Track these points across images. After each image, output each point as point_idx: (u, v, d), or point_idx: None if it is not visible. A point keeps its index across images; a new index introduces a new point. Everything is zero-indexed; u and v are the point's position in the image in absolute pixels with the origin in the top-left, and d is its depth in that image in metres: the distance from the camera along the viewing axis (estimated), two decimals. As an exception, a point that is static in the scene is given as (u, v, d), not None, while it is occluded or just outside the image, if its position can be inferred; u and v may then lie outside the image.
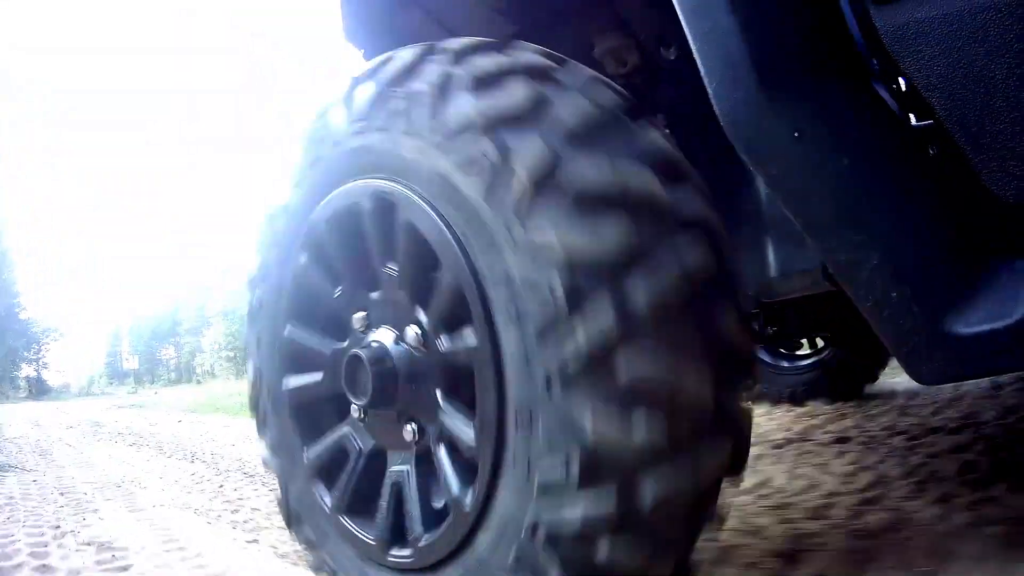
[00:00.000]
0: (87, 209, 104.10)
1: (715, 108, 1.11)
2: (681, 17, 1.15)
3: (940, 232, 1.08)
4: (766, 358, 3.96)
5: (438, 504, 1.32)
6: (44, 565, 2.44)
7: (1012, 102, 0.99)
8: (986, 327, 0.99)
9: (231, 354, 45.37)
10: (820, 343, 3.93)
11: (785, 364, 4.00)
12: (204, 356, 52.97)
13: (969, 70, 1.01)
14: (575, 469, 1.04)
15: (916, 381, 1.07)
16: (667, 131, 1.35)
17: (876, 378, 3.89)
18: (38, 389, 46.92)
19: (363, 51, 2.08)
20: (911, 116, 1.17)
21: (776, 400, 3.94)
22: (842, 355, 3.80)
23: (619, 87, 1.26)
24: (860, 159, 1.07)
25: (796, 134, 1.06)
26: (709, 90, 1.12)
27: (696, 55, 1.13)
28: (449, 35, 1.82)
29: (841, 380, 3.82)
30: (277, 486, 1.66)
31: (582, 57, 1.51)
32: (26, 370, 52.21)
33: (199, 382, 45.46)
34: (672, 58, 1.61)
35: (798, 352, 4.04)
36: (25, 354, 51.79)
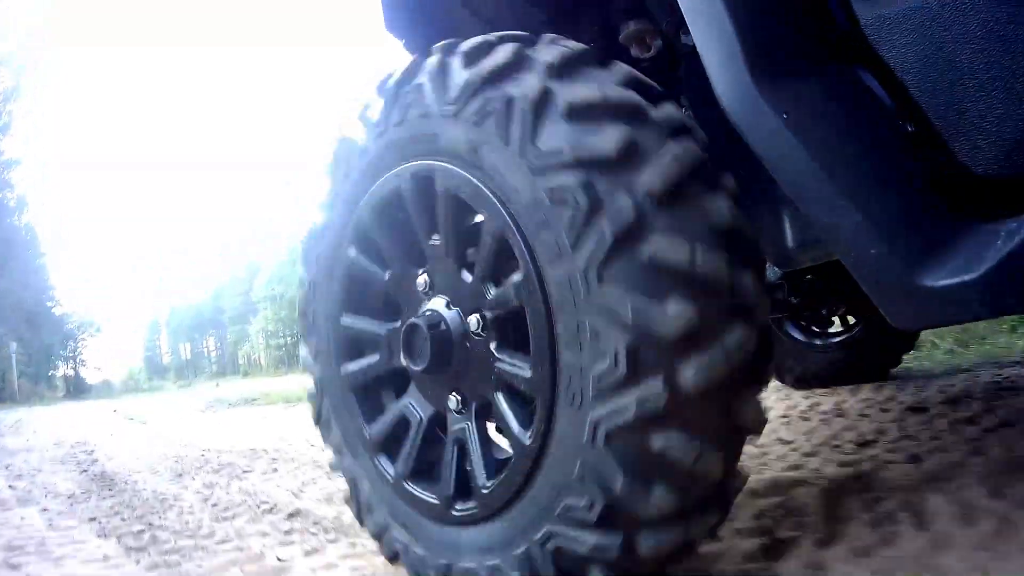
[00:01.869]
0: (121, 201, 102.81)
1: (715, 91, 1.30)
2: (682, 8, 1.35)
3: (915, 198, 1.25)
4: (795, 335, 4.09)
5: (499, 456, 1.57)
6: None
7: (977, 83, 1.16)
8: (953, 280, 1.12)
9: (282, 341, 42.90)
10: (850, 320, 4.02)
11: (814, 342, 4.08)
12: (250, 345, 50.73)
13: (939, 55, 1.19)
14: (622, 363, 1.23)
15: (894, 325, 1.25)
16: (689, 112, 1.71)
17: (900, 361, 4.12)
18: (76, 388, 45.88)
19: (403, 41, 2.28)
20: (889, 97, 1.30)
21: (800, 380, 4.12)
22: (869, 335, 3.89)
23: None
24: (843, 135, 1.26)
25: (784, 115, 1.23)
26: (709, 75, 1.32)
27: (696, 43, 1.34)
28: (483, 23, 2.12)
29: (867, 361, 3.96)
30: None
31: (607, 41, 1.88)
32: (63, 368, 51.85)
33: (246, 374, 43.35)
34: (692, 44, 1.48)
35: (827, 331, 4.10)
36: (61, 352, 51.26)
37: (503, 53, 1.44)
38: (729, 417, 1.31)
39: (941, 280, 1.14)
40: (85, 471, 5.37)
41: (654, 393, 1.22)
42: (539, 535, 1.38)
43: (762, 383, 1.40)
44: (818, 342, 4.05)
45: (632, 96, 1.38)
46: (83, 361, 53.26)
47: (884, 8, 1.22)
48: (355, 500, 1.86)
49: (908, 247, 1.18)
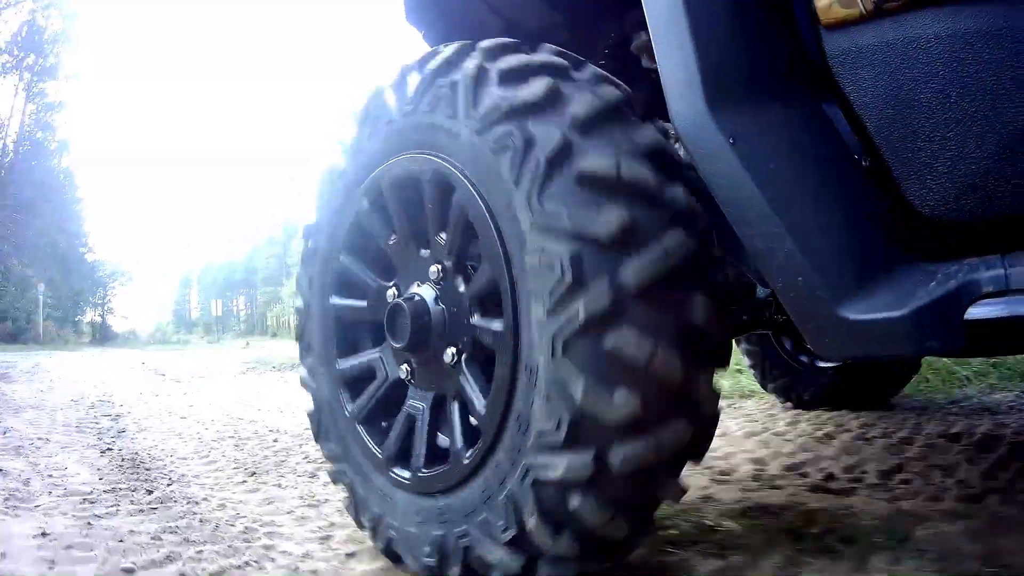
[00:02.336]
0: (159, 156, 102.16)
1: (669, 114, 1.39)
2: (650, 34, 1.44)
3: (855, 233, 1.29)
4: (789, 356, 4.10)
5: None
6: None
7: (932, 125, 1.20)
8: (879, 315, 1.17)
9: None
10: None
11: (809, 363, 4.04)
12: (281, 307, 49.57)
13: (899, 94, 1.23)
14: (567, 272, 1.38)
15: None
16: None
17: (900, 390, 4.13)
18: (102, 335, 44.85)
19: (423, 33, 2.37)
20: (851, 131, 1.35)
21: (798, 402, 4.16)
22: (862, 367, 3.86)
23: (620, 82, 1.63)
24: (787, 163, 1.32)
25: (732, 140, 1.29)
26: (665, 95, 1.40)
27: (658, 61, 1.42)
28: (503, 20, 2.23)
29: (866, 388, 3.94)
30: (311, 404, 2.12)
31: (622, 50, 1.95)
32: (90, 315, 50.49)
33: (274, 335, 42.21)
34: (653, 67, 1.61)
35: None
36: (90, 298, 50.05)
37: (538, 87, 1.51)
38: (679, 315, 1.41)
39: (866, 314, 1.19)
40: (108, 449, 3.91)
41: (600, 294, 1.34)
42: (517, 473, 1.47)
43: (707, 288, 1.46)
44: (821, 365, 4.02)
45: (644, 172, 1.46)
46: (111, 309, 51.93)
47: (850, 43, 1.28)
48: None
49: (838, 279, 1.23)
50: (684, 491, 1.58)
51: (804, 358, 4.08)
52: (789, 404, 4.23)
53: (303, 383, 2.15)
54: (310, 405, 2.12)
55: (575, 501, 1.39)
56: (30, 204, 43.78)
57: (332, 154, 2.05)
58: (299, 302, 2.17)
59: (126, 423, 5.07)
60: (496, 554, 1.51)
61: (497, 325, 1.55)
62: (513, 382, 1.49)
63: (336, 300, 2.02)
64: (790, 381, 4.14)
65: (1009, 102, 1.14)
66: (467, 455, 1.60)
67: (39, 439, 4.15)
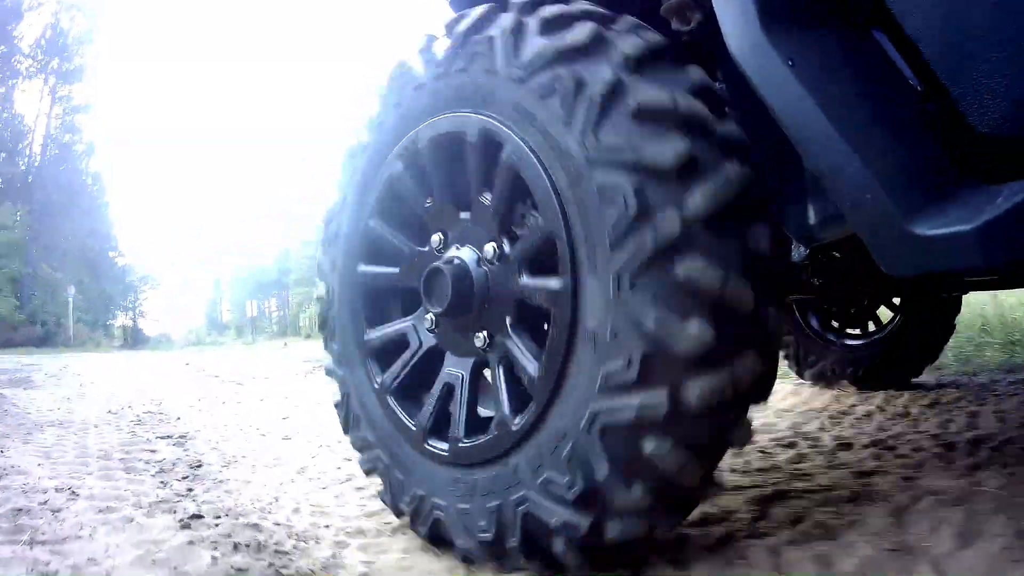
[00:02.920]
0: (188, 163, 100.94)
1: (727, 42, 1.39)
2: None
3: (919, 152, 1.30)
4: (818, 328, 4.20)
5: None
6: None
7: (987, 45, 1.19)
8: (947, 230, 1.16)
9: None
10: (872, 327, 4.17)
11: (836, 339, 4.16)
12: (314, 308, 48.24)
13: (950, 17, 1.22)
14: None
15: (886, 271, 1.29)
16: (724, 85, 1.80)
17: (921, 371, 4.09)
18: (134, 338, 43.73)
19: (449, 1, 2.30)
20: (902, 56, 1.35)
21: (819, 377, 4.18)
22: (893, 342, 3.96)
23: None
24: (845, 85, 1.32)
25: (790, 62, 1.30)
26: (721, 24, 1.41)
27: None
28: None
29: (889, 367, 3.97)
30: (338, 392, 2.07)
31: (649, 14, 1.74)
32: (121, 319, 49.75)
33: (308, 335, 40.86)
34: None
35: (850, 331, 4.21)
36: (121, 302, 49.46)
37: (582, 31, 1.49)
38: (745, 243, 1.41)
39: (936, 229, 1.18)
40: (195, 517, 1.99)
41: (669, 222, 1.35)
42: (583, 423, 1.43)
43: (767, 217, 1.48)
44: (844, 340, 4.14)
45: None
46: (142, 313, 51.64)
47: None
48: None
49: (906, 197, 1.24)
50: (751, 435, 1.55)
51: (832, 336, 4.18)
52: (829, 386, 4.18)
53: (329, 372, 2.13)
54: (336, 395, 2.09)
55: (650, 445, 1.36)
56: (59, 207, 43.43)
57: (354, 129, 2.06)
58: (321, 289, 2.17)
59: (199, 449, 3.21)
60: (560, 516, 1.46)
61: (551, 281, 1.52)
62: (572, 331, 1.46)
63: (365, 268, 2.00)
64: (827, 362, 4.14)
65: None
66: (516, 420, 1.56)
67: (57, 492, 2.22)
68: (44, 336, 32.78)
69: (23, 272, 37.95)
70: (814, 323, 4.18)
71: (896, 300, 4.03)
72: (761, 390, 1.49)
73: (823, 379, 4.15)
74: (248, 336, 50.20)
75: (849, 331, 4.20)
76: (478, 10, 1.70)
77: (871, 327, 4.15)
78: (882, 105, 1.32)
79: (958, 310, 4.04)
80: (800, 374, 4.30)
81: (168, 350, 30.78)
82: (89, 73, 46.69)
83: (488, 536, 1.57)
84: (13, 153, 45.76)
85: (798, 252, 2.09)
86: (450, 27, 1.76)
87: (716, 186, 1.37)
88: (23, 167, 45.37)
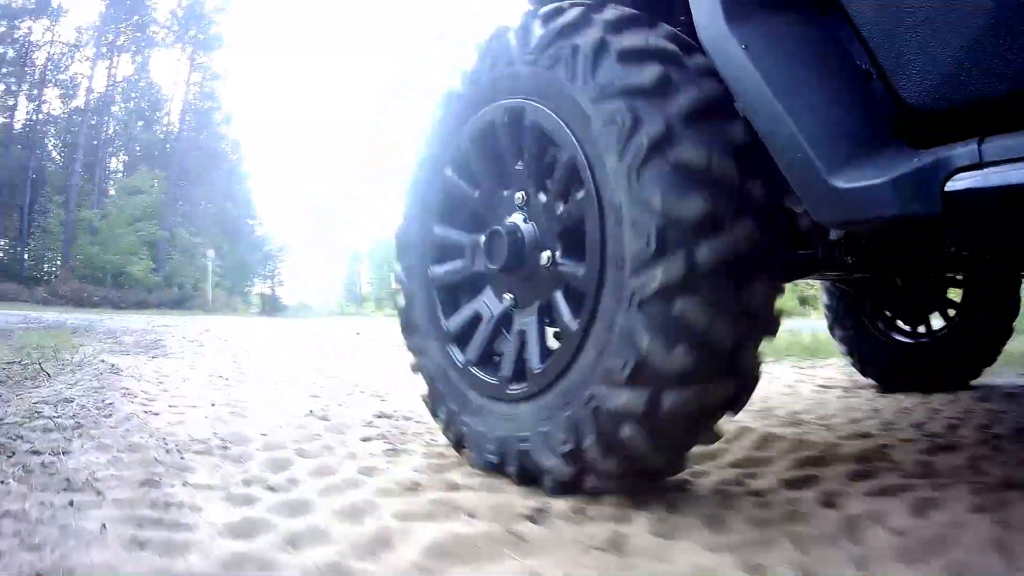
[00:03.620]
0: (327, 132, 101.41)
1: (698, 33, 1.65)
2: None
3: (846, 117, 1.51)
4: (882, 328, 4.18)
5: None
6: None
7: (913, 27, 1.38)
8: (863, 183, 1.36)
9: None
10: (925, 328, 4.16)
11: (899, 338, 4.14)
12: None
13: (885, 3, 1.43)
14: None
15: (815, 219, 1.50)
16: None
17: (980, 373, 4.05)
18: (271, 306, 43.05)
19: None
20: (853, 38, 1.55)
21: (881, 376, 4.15)
22: (952, 342, 3.97)
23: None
24: (790, 62, 1.55)
25: (744, 46, 1.53)
26: (693, 14, 1.66)
27: None
28: None
29: (947, 368, 3.97)
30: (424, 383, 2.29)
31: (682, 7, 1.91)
32: (259, 286, 49.45)
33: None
34: None
35: (907, 329, 4.19)
36: (259, 270, 49.72)
37: (651, 73, 1.66)
38: (739, 295, 1.61)
39: (853, 183, 1.38)
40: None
41: (677, 265, 1.57)
42: (583, 398, 1.72)
43: (769, 273, 1.67)
44: (905, 340, 4.13)
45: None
46: (281, 281, 51.12)
47: None
48: None
49: (829, 154, 1.43)
50: (719, 437, 1.82)
51: (895, 335, 4.16)
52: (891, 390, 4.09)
53: (414, 369, 2.35)
54: (424, 387, 2.31)
55: (626, 431, 1.63)
56: (196, 173, 43.88)
57: (413, 153, 2.38)
58: (399, 298, 2.40)
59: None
60: (552, 462, 1.77)
61: (583, 270, 1.77)
62: (592, 319, 1.72)
63: (439, 230, 2.26)
64: (888, 362, 4.12)
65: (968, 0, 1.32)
66: (575, 325, 1.79)
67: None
68: (179, 299, 33.02)
69: (159, 235, 38.47)
70: (879, 323, 4.20)
71: (955, 299, 4.05)
72: (733, 405, 1.75)
73: (886, 379, 4.16)
74: (389, 308, 49.50)
75: (911, 330, 4.18)
76: (572, 14, 1.85)
77: (930, 327, 4.15)
78: (820, 80, 1.56)
79: (1017, 312, 3.99)
80: (863, 372, 4.29)
81: (306, 318, 29.73)
82: (226, 41, 46.62)
83: (570, 446, 1.75)
84: (151, 121, 46.13)
85: (836, 232, 2.25)
86: (546, 19, 1.90)
87: (725, 242, 1.57)
88: (160, 135, 45.66)
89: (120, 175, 44.68)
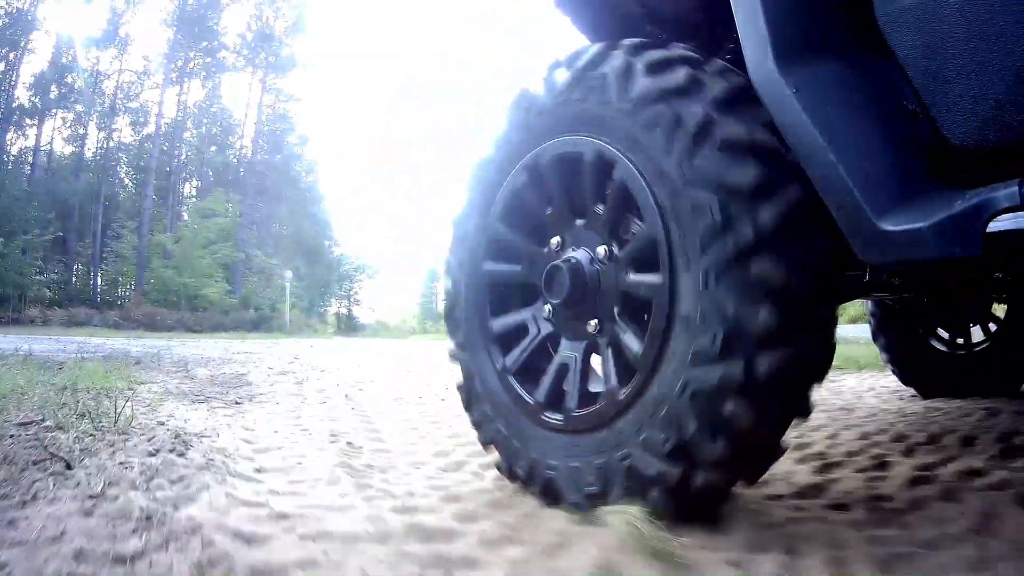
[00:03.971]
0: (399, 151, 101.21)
1: (749, 72, 1.64)
2: (732, 7, 1.68)
3: (893, 161, 1.52)
4: (924, 337, 4.21)
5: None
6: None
7: (958, 70, 1.41)
8: (906, 227, 1.37)
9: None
10: (978, 337, 4.16)
11: (942, 348, 4.14)
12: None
13: (932, 45, 1.45)
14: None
15: (861, 259, 1.49)
16: None
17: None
18: (348, 326, 42.56)
19: (570, 18, 2.60)
20: (898, 79, 1.56)
21: (924, 385, 4.17)
22: (997, 351, 3.94)
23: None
24: (839, 106, 1.55)
25: (795, 90, 1.54)
26: (745, 59, 1.64)
27: (739, 33, 1.66)
28: (639, 5, 2.45)
29: (993, 376, 3.94)
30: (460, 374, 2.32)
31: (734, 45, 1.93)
32: (336, 306, 50.38)
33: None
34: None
35: (956, 339, 4.17)
36: (336, 290, 50.23)
37: (681, 74, 1.77)
38: (806, 248, 1.65)
39: (899, 225, 1.39)
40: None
41: (745, 231, 1.61)
42: (677, 389, 1.69)
43: (824, 229, 1.64)
44: (950, 349, 4.15)
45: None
46: (358, 301, 51.49)
47: (894, 5, 1.51)
48: None
49: (878, 198, 1.44)
50: (812, 409, 1.78)
51: (938, 344, 4.19)
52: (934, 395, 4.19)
53: (452, 357, 2.39)
54: (459, 377, 2.35)
55: (729, 406, 1.61)
56: (272, 195, 43.43)
57: (482, 147, 2.31)
58: (448, 284, 2.43)
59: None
60: (656, 467, 1.71)
61: (652, 277, 1.78)
62: (671, 317, 1.71)
63: (490, 266, 2.29)
64: (933, 371, 4.15)
65: (1015, 43, 1.34)
66: (622, 391, 1.81)
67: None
68: (257, 321, 32.91)
69: (235, 257, 38.44)
70: (920, 331, 4.22)
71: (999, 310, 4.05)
72: (819, 371, 1.75)
73: (929, 387, 4.17)
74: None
75: (955, 340, 4.18)
76: (592, 50, 1.98)
77: (977, 336, 4.15)
78: (869, 123, 1.55)
79: None
80: (905, 382, 4.33)
81: (386, 337, 28.37)
82: (300, 63, 46.07)
83: (595, 489, 1.82)
84: (223, 146, 45.81)
85: None
86: (570, 62, 2.02)
87: (782, 203, 1.62)
88: (234, 159, 45.28)
89: (193, 200, 44.84)
